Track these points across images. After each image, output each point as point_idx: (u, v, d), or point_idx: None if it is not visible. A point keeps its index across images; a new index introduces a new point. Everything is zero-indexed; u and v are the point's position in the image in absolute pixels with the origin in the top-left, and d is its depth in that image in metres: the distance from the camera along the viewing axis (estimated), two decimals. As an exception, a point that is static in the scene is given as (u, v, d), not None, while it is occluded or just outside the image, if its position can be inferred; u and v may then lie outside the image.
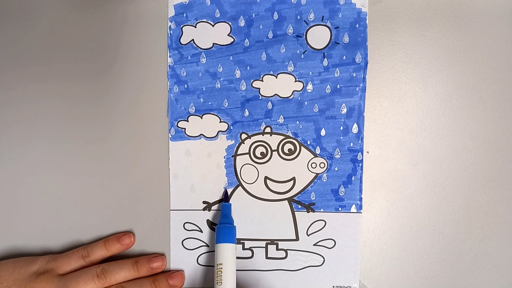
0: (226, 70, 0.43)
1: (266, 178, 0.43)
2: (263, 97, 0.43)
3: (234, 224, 0.43)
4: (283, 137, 0.43)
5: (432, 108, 0.43)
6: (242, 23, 0.43)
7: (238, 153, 0.44)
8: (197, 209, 0.44)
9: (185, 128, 0.44)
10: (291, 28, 0.43)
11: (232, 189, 0.44)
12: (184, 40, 0.44)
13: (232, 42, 0.43)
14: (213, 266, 0.44)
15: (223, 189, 0.44)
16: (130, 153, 0.44)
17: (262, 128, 0.43)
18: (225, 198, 0.43)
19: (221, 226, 0.42)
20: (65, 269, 0.41)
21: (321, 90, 0.43)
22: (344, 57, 0.43)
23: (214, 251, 0.43)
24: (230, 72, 0.43)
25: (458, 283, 0.43)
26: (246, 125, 0.44)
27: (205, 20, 0.43)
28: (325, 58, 0.43)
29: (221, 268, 0.40)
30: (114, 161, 0.44)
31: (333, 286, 0.43)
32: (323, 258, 0.43)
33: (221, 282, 0.40)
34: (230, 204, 0.43)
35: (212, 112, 0.44)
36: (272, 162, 0.43)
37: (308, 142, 0.43)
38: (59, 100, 0.44)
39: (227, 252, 0.41)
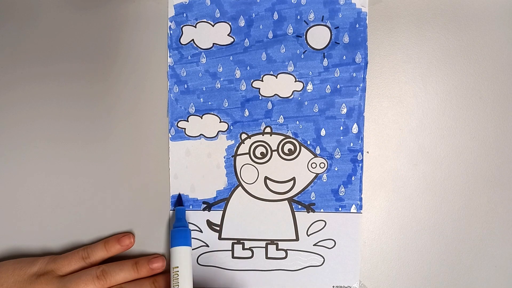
0: (226, 70, 0.43)
1: (266, 178, 0.43)
2: (263, 97, 0.43)
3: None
4: (283, 137, 0.43)
5: (432, 108, 0.43)
6: (242, 23, 0.43)
7: (238, 153, 0.44)
8: (197, 209, 0.44)
9: (185, 128, 0.44)
10: (291, 28, 0.43)
11: (232, 189, 0.44)
12: (184, 40, 0.44)
13: (232, 42, 0.43)
14: (214, 266, 0.44)
15: (178, 194, 0.44)
16: (130, 153, 0.44)
17: (262, 128, 0.43)
18: (179, 202, 0.44)
19: (175, 230, 0.42)
20: (65, 270, 0.41)
21: (321, 90, 0.43)
22: (344, 57, 0.43)
23: (214, 251, 0.44)
24: (230, 72, 0.43)
25: (458, 283, 0.43)
26: (246, 125, 0.44)
27: (205, 20, 0.43)
28: (325, 58, 0.43)
29: (177, 271, 0.40)
30: (114, 162, 0.44)
31: (333, 286, 0.43)
32: (323, 258, 0.43)
33: (178, 285, 0.40)
34: (184, 207, 0.43)
35: (212, 112, 0.44)
36: (272, 162, 0.43)
37: (308, 142, 0.43)
38: (59, 101, 0.44)
39: (182, 255, 0.41)
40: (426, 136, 0.43)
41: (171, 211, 0.44)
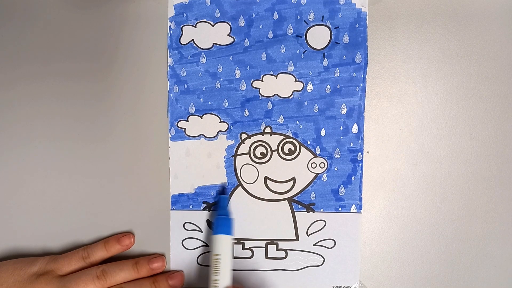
0: (226, 70, 0.43)
1: (266, 178, 0.43)
2: (263, 97, 0.43)
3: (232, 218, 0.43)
4: (283, 137, 0.43)
5: (432, 108, 0.43)
6: (242, 23, 0.43)
7: (238, 153, 0.44)
8: (197, 209, 0.44)
9: (185, 128, 0.44)
10: (291, 28, 0.43)
11: (232, 189, 0.44)
12: (184, 40, 0.44)
13: (232, 42, 0.43)
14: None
15: (221, 183, 0.44)
16: (130, 153, 0.44)
17: (262, 128, 0.43)
18: (222, 191, 0.43)
19: (219, 217, 0.42)
20: (65, 270, 0.41)
21: (321, 90, 0.43)
22: (344, 57, 0.43)
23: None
24: (230, 72, 0.43)
25: (458, 283, 0.43)
26: (246, 125, 0.44)
27: (205, 20, 0.43)
28: (325, 58, 0.43)
29: (218, 259, 0.40)
30: (114, 161, 0.44)
31: (333, 286, 0.43)
32: (323, 258, 0.43)
33: (218, 272, 0.40)
34: (227, 196, 0.43)
35: (212, 112, 0.44)
36: (272, 162, 0.43)
37: (308, 142, 0.43)
38: (59, 100, 0.44)
39: (224, 243, 0.41)
40: (426, 136, 0.43)
41: (171, 211, 0.44)
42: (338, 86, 0.43)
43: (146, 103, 0.44)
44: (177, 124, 0.44)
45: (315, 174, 0.43)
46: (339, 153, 0.43)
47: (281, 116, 0.43)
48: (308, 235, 0.43)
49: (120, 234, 0.44)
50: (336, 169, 0.43)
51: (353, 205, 0.43)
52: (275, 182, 0.43)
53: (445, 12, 0.42)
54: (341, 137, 0.43)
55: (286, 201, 0.44)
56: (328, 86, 0.43)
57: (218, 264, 0.40)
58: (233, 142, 0.44)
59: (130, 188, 0.44)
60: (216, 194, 0.44)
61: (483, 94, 0.42)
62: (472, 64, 0.42)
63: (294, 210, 0.43)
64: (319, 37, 0.43)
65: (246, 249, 0.44)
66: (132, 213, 0.44)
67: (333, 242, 0.43)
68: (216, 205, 0.44)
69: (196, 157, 0.44)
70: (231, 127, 0.44)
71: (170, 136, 0.44)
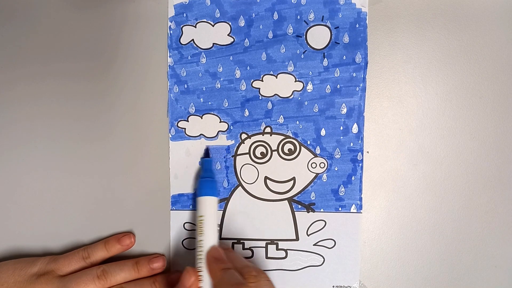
0: (226, 70, 0.43)
1: (266, 178, 0.44)
2: (263, 97, 0.43)
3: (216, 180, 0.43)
4: (283, 137, 0.43)
5: (432, 108, 0.43)
6: (242, 23, 0.43)
7: (238, 153, 0.44)
8: (197, 209, 0.44)
9: (185, 128, 0.44)
10: (291, 28, 0.43)
11: (232, 189, 0.44)
12: (184, 40, 0.44)
13: (232, 42, 0.43)
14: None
15: (205, 147, 0.44)
16: (130, 153, 0.44)
17: (262, 128, 0.43)
18: (206, 154, 0.44)
19: (203, 180, 0.42)
20: (66, 270, 0.41)
21: (321, 90, 0.43)
22: (344, 57, 0.43)
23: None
24: (230, 72, 0.43)
25: (458, 283, 0.43)
26: (246, 125, 0.44)
27: (205, 20, 0.43)
28: (325, 58, 0.43)
29: (202, 220, 0.41)
30: (114, 161, 0.44)
31: (333, 286, 0.43)
32: (323, 258, 0.43)
33: (203, 233, 0.40)
34: (211, 159, 0.44)
35: (212, 112, 0.44)
36: (272, 162, 0.43)
37: (308, 142, 0.43)
38: (59, 100, 0.44)
39: (207, 205, 0.41)
40: (426, 136, 0.43)
41: (171, 211, 0.44)
42: (338, 86, 0.43)
43: (146, 103, 0.44)
44: (177, 124, 0.44)
45: (315, 174, 0.43)
46: (339, 153, 0.43)
47: (281, 116, 0.43)
48: (308, 235, 0.43)
49: (120, 234, 0.44)
50: (336, 169, 0.43)
51: (353, 205, 0.43)
52: (275, 182, 0.43)
53: (445, 12, 0.42)
54: (341, 137, 0.43)
55: (286, 201, 0.44)
56: (328, 86, 0.43)
57: (202, 225, 0.40)
58: (233, 142, 0.44)
59: (130, 188, 0.44)
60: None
61: (483, 94, 0.42)
62: (472, 64, 0.42)
63: (294, 210, 0.44)
64: (319, 37, 0.43)
65: (246, 249, 0.44)
66: (132, 213, 0.44)
67: (333, 242, 0.43)
68: (201, 168, 0.44)
69: (196, 157, 0.44)
70: (231, 127, 0.44)
71: (170, 136, 0.44)
